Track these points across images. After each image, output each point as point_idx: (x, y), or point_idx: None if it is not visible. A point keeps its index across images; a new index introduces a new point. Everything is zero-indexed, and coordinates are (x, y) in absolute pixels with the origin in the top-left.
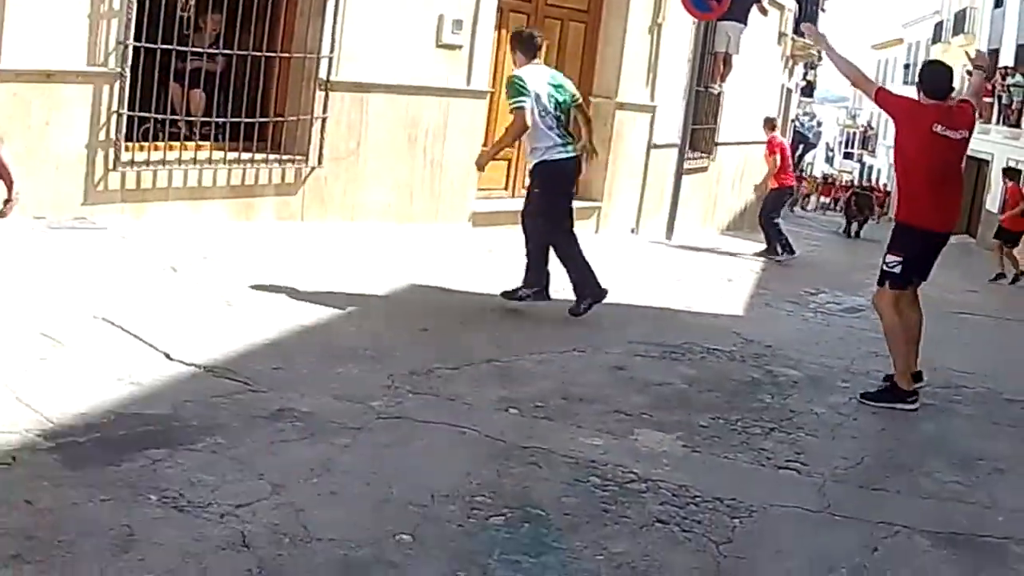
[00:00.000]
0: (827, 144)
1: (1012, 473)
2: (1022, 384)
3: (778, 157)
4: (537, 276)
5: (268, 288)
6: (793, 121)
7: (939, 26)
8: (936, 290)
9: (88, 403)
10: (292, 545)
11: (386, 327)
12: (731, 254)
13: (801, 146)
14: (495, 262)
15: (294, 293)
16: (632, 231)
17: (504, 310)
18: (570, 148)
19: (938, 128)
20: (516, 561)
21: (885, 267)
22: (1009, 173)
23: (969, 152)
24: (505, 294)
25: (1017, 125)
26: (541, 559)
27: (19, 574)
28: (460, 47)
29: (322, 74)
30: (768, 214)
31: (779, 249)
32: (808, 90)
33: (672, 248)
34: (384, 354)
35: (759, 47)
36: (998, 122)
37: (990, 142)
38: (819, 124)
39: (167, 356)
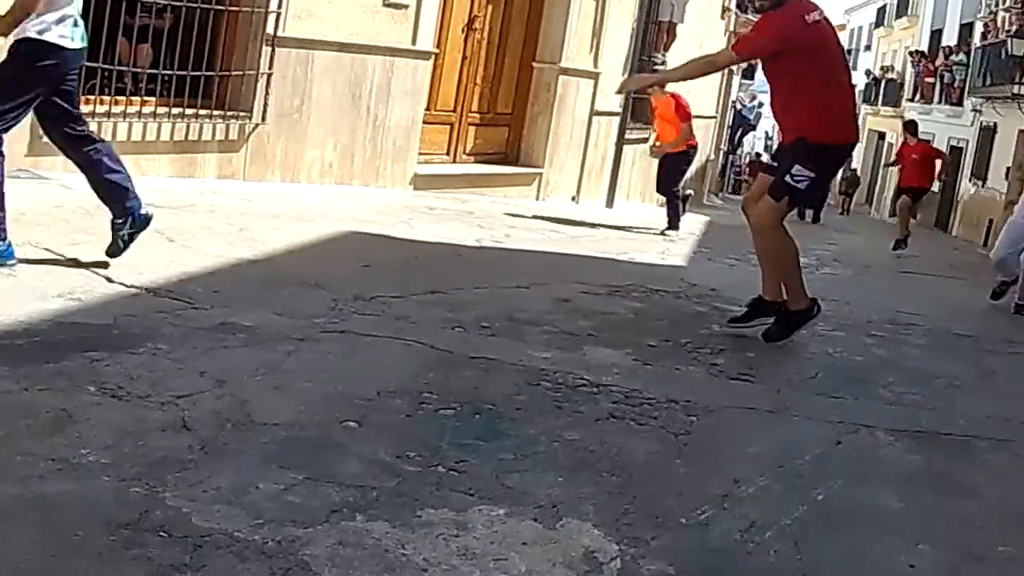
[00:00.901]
0: (766, 132)
1: (968, 388)
2: (968, 324)
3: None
4: None
5: (209, 231)
6: (734, 103)
7: (882, 10)
8: (881, 255)
9: (27, 313)
10: (235, 429)
11: (328, 263)
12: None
13: (740, 129)
14: (436, 217)
15: (237, 235)
16: (573, 199)
17: (448, 255)
18: None
19: (809, 17)
20: (468, 445)
21: (792, 181)
22: (910, 127)
23: None
24: None
25: (959, 104)
26: (495, 443)
27: None
28: (406, 6)
29: (269, 30)
30: (671, 183)
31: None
32: (750, 72)
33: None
34: (326, 283)
35: (702, 20)
36: (940, 101)
37: (933, 121)
38: (760, 106)
39: (108, 279)
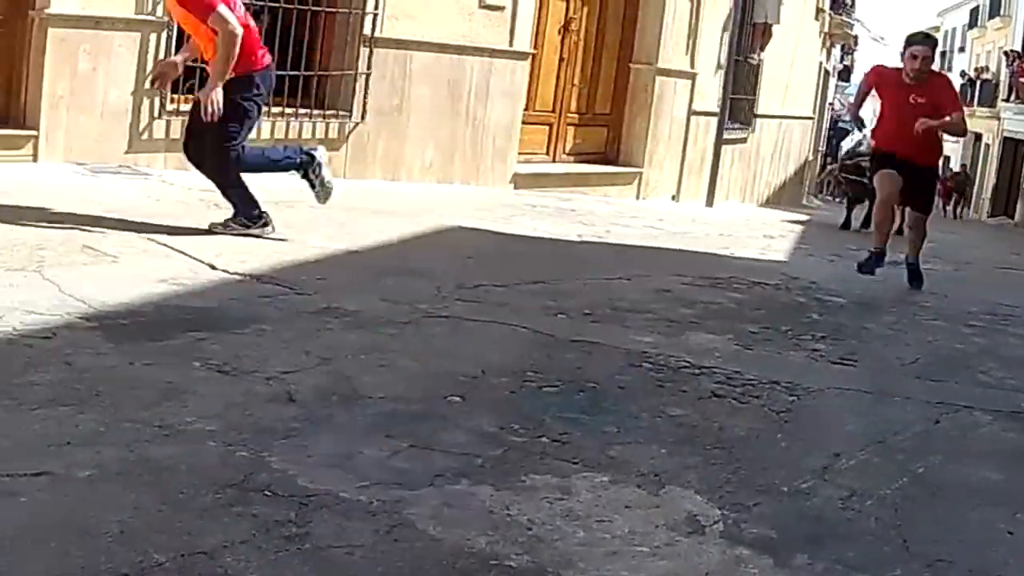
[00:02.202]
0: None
1: None
2: None
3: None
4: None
5: (312, 224)
6: (830, 104)
7: (975, 11)
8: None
9: (131, 297)
10: (340, 401)
11: (431, 255)
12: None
13: (836, 139)
14: (537, 213)
15: (339, 229)
16: (673, 198)
17: (550, 249)
18: None
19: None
20: (572, 419)
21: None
22: None
23: (1006, 133)
24: None
25: None
26: (598, 417)
27: (57, 413)
28: (503, 8)
29: (366, 31)
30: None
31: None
32: (845, 74)
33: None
34: (430, 273)
35: (797, 20)
36: None
37: None
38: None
39: (211, 267)
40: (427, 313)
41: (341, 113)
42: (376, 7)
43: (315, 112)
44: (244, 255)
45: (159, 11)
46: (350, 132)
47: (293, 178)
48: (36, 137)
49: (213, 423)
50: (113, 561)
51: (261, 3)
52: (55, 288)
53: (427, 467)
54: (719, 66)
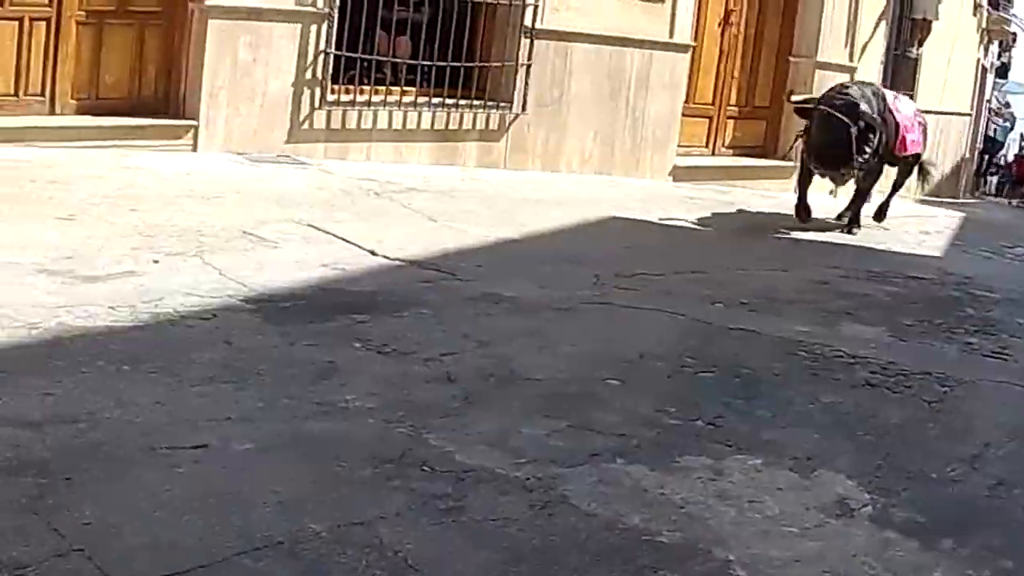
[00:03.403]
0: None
1: None
2: None
3: None
4: None
5: (472, 214)
6: (988, 102)
7: None
8: None
9: (291, 280)
10: (498, 382)
11: (589, 244)
12: None
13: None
14: (696, 205)
15: (499, 218)
16: (831, 193)
17: (709, 239)
18: None
19: None
20: (727, 403)
21: None
22: None
23: None
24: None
25: None
26: (752, 402)
27: (217, 390)
28: (663, 0)
29: (527, 22)
30: None
31: None
32: (1003, 71)
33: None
34: (588, 261)
35: (955, 16)
36: None
37: None
38: (1013, 118)
39: (372, 253)
40: (585, 300)
41: (502, 104)
42: None
43: (475, 103)
44: (404, 242)
45: (320, 2)
46: (510, 123)
47: (452, 171)
48: (196, 127)
49: (372, 401)
50: (270, 530)
51: None
52: (216, 272)
53: (583, 446)
54: (878, 61)
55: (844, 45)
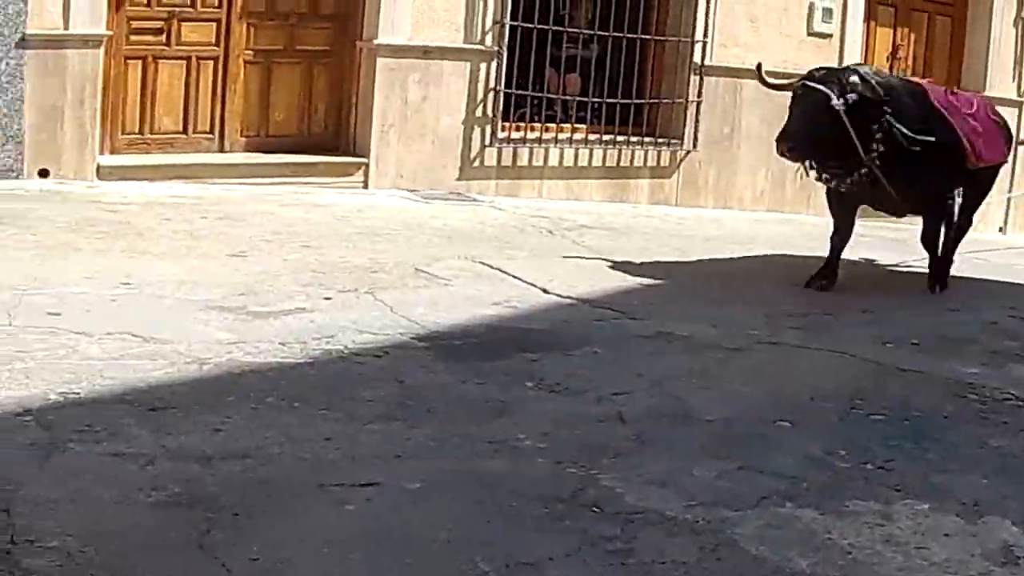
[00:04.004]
0: None
1: None
2: None
3: None
4: None
5: (644, 251)
6: None
7: None
8: None
9: (463, 318)
10: (670, 422)
11: (761, 282)
12: None
13: None
14: (865, 244)
15: (670, 254)
16: (1000, 230)
17: (877, 277)
18: None
19: None
20: (896, 445)
21: None
22: None
23: None
24: None
25: None
26: (921, 445)
27: (387, 427)
28: (831, 36)
29: (696, 58)
30: None
31: None
32: None
33: None
34: (759, 299)
35: None
36: None
37: None
38: None
39: (543, 291)
40: (757, 339)
41: (672, 141)
42: (705, 35)
43: (646, 140)
44: (576, 280)
45: (488, 40)
46: (681, 160)
47: (623, 207)
48: (367, 164)
49: (543, 440)
50: (439, 569)
51: (591, 32)
52: (387, 309)
53: (753, 489)
54: None
55: (1012, 79)
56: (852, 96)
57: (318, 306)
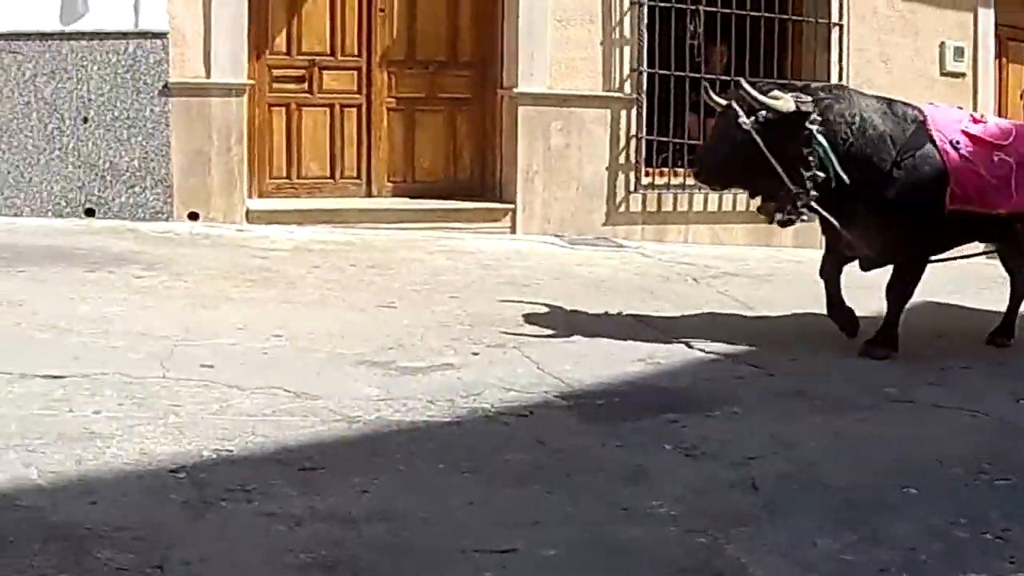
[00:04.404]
0: None
1: None
2: None
3: None
4: None
5: (788, 300)
6: None
7: None
8: None
9: (607, 375)
10: (799, 488)
11: (904, 333)
12: None
13: None
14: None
15: (813, 303)
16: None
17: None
18: None
19: None
20: (1016, 514)
21: None
22: None
23: None
24: None
25: None
26: None
27: (528, 491)
28: (963, 75)
29: None
30: None
31: None
32: None
33: None
34: (900, 354)
35: None
36: None
37: None
38: None
39: (687, 345)
40: (893, 397)
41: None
42: (840, 78)
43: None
44: (719, 333)
45: (627, 87)
46: None
47: (767, 252)
48: (513, 209)
49: (676, 507)
50: None
51: (728, 78)
52: (533, 365)
53: (873, 560)
54: None
55: None
56: (764, 113)
57: (466, 361)
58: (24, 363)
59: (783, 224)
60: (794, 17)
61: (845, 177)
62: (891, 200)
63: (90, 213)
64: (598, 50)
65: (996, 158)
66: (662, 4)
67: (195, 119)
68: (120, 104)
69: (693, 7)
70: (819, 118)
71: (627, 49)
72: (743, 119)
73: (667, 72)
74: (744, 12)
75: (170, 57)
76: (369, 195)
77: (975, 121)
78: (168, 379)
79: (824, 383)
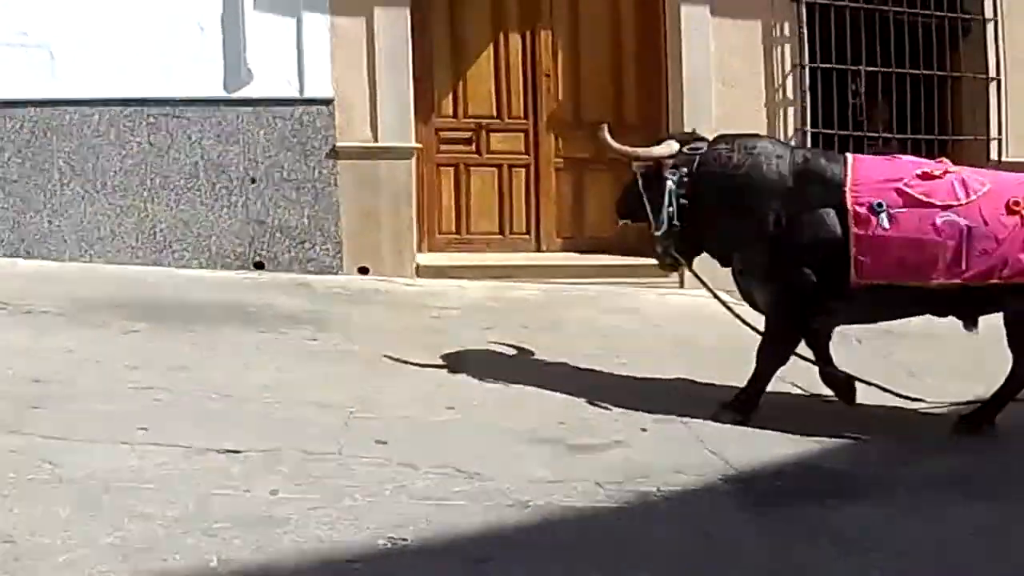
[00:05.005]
0: None
1: None
2: None
3: None
4: None
5: (947, 366)
6: None
7: None
8: None
9: (774, 456)
10: None
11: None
12: None
13: None
14: None
15: (972, 368)
16: None
17: None
18: None
19: None
20: None
21: None
22: None
23: None
24: None
25: None
26: None
27: None
28: None
29: (992, 156)
30: None
31: None
32: None
33: None
34: None
35: None
36: None
37: None
38: None
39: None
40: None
41: None
42: (1000, 131)
43: None
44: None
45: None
46: None
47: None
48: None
49: None
50: None
51: (889, 136)
52: (700, 443)
53: None
54: None
55: None
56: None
57: (633, 438)
58: (200, 435)
59: (662, 267)
60: (953, 74)
61: (675, 223)
62: (762, 261)
63: (259, 266)
64: (762, 111)
65: (940, 220)
66: (824, 66)
67: (364, 181)
68: (287, 166)
69: (855, 68)
70: (684, 168)
71: (791, 110)
72: (634, 165)
73: (831, 131)
74: (904, 71)
75: (336, 123)
76: (538, 250)
77: (925, 176)
78: (344, 456)
79: (977, 467)
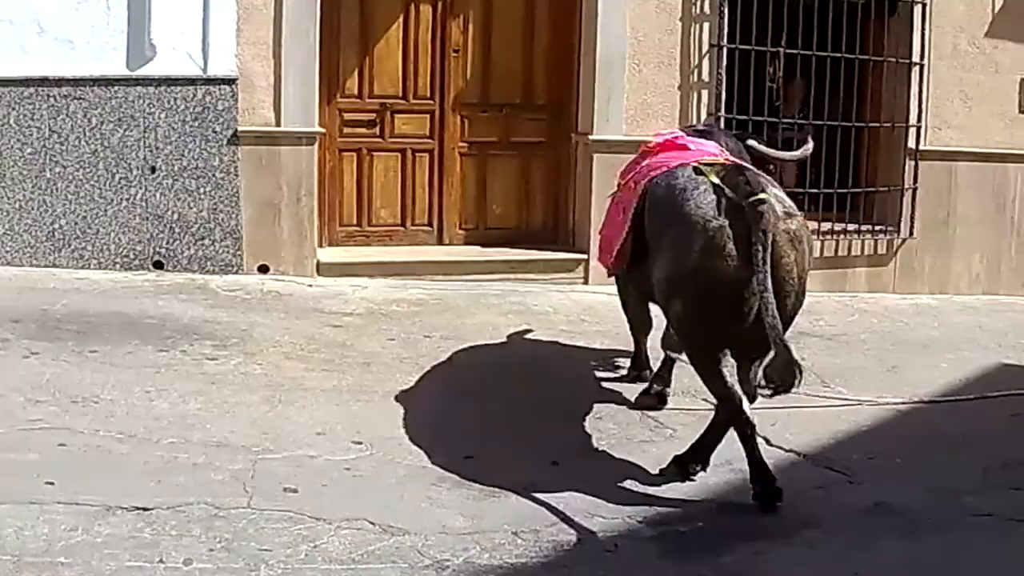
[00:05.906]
0: None
1: None
2: None
3: None
4: None
5: (860, 370)
6: None
7: None
8: None
9: (692, 489)
10: None
11: (974, 412)
12: None
13: None
14: None
15: (888, 377)
16: None
17: None
18: None
19: None
20: None
21: None
22: None
23: None
24: None
25: None
26: None
27: None
28: None
29: (910, 144)
30: None
31: None
32: None
33: None
34: (973, 443)
35: None
36: None
37: None
38: None
39: (767, 440)
40: (970, 511)
41: (889, 228)
42: (919, 119)
43: (863, 228)
44: (799, 421)
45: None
46: (898, 247)
47: (842, 300)
48: (586, 260)
49: None
50: None
51: (804, 121)
52: (619, 475)
53: None
54: None
55: None
56: None
57: (544, 476)
58: (108, 489)
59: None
60: (875, 58)
61: None
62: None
63: (159, 266)
64: (676, 94)
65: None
66: (741, 47)
67: (265, 169)
68: (187, 154)
69: (773, 50)
70: None
71: (705, 93)
72: None
73: (744, 117)
74: (825, 53)
75: (239, 104)
76: (440, 242)
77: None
78: (253, 509)
79: (901, 491)
